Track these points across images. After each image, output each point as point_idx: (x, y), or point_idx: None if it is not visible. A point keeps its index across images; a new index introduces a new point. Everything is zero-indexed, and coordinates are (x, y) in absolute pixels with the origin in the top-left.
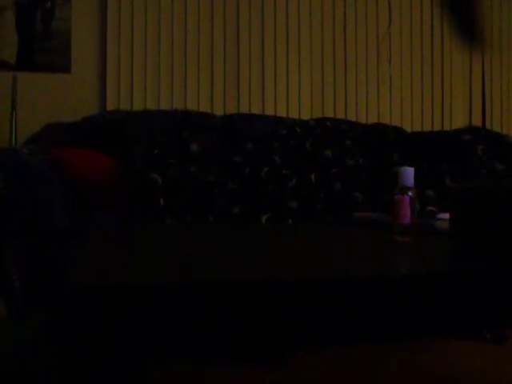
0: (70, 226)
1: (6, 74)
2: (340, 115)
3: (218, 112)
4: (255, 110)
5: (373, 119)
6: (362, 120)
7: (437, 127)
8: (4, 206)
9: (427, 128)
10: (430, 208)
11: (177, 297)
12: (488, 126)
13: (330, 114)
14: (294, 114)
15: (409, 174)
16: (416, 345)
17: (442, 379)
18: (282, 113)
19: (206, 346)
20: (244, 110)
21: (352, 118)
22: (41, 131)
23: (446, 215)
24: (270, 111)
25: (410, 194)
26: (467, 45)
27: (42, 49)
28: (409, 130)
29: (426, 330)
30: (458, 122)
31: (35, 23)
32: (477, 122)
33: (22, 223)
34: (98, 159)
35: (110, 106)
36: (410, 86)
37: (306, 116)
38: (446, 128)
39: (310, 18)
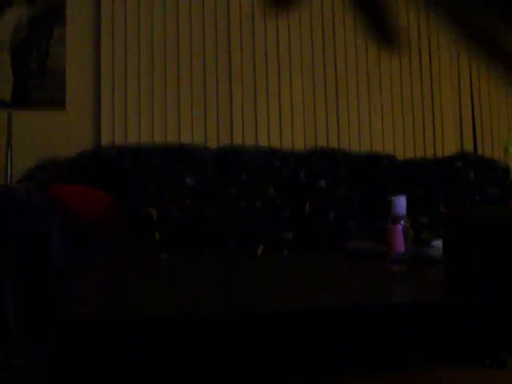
0: (67, 260)
1: (1, 112)
2: (333, 144)
3: (212, 144)
4: (249, 141)
5: (366, 147)
6: (355, 148)
7: (429, 153)
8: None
9: (420, 154)
10: (424, 235)
11: (171, 331)
12: (479, 150)
13: (323, 143)
14: (287, 144)
15: (401, 202)
16: (415, 373)
17: None
18: (275, 143)
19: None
20: (238, 141)
21: (345, 146)
22: (36, 167)
23: (440, 242)
24: (263, 141)
25: (402, 222)
26: (380, 43)
27: (37, 85)
28: (402, 156)
29: (424, 358)
30: (450, 147)
31: (30, 61)
32: (468, 146)
33: (19, 259)
34: (94, 195)
35: (105, 141)
36: (401, 112)
37: (299, 145)
38: (439, 153)
39: (301, 49)
